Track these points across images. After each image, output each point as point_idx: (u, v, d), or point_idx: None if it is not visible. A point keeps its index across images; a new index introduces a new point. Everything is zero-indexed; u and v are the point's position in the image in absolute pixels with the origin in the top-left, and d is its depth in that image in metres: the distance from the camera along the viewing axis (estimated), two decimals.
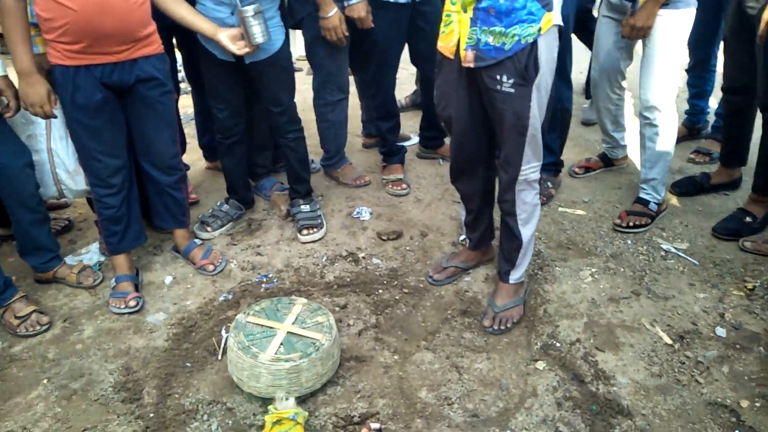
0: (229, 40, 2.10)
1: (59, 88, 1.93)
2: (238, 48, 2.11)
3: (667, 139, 2.42)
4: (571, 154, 3.18)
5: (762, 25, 2.06)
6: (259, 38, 2.10)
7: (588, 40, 3.13)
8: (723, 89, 2.63)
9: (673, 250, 2.38)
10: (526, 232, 1.97)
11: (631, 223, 2.50)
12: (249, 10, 2.04)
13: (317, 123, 2.87)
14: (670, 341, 1.92)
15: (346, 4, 2.47)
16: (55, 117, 1.98)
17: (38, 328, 2.04)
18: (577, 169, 3.01)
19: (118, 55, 1.91)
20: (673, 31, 2.27)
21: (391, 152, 3.00)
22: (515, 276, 2.04)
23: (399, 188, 2.90)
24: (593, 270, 2.28)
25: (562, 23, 1.71)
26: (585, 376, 1.80)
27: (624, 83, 2.65)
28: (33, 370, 1.90)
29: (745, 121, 2.60)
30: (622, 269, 2.28)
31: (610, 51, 2.54)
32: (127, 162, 2.13)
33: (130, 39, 1.90)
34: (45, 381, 1.85)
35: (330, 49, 2.58)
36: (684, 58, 2.37)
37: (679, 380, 1.77)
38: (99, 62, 1.90)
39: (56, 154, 2.14)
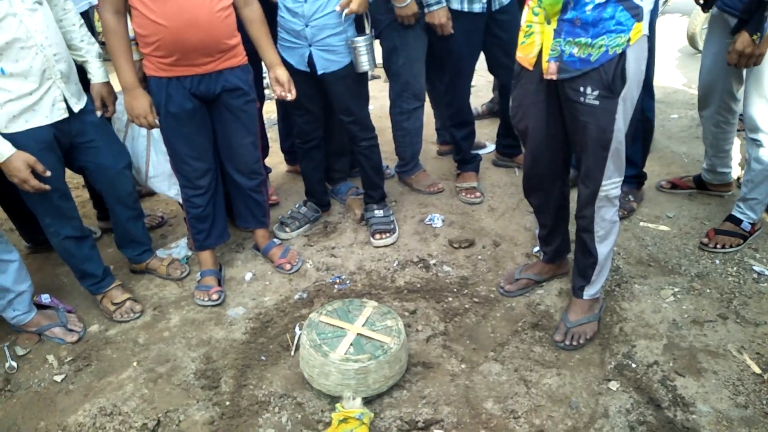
0: (273, 80, 2.24)
1: (154, 97, 2.08)
2: (273, 92, 2.27)
3: None
4: (655, 167, 3.04)
5: None
6: (365, 66, 2.31)
7: None
8: None
9: (767, 273, 2.22)
10: (603, 249, 1.91)
11: (719, 245, 2.35)
12: (360, 40, 2.25)
13: (393, 131, 2.92)
14: (759, 371, 1.79)
15: (426, 10, 2.51)
16: (158, 126, 2.13)
17: (132, 315, 2.22)
18: (664, 183, 2.87)
19: (205, 66, 2.03)
20: None
21: (466, 160, 3.00)
22: (590, 292, 1.98)
23: (472, 196, 2.89)
24: (676, 289, 2.17)
25: (648, 33, 1.65)
26: (662, 400, 1.72)
27: (736, 106, 2.46)
28: (125, 352, 2.07)
29: None
30: (708, 290, 2.16)
31: (712, 69, 2.41)
32: (213, 165, 2.27)
33: (216, 51, 2.02)
34: (135, 364, 2.01)
35: (407, 58, 2.63)
36: None
37: (767, 413, 1.65)
38: (189, 74, 2.03)
39: (128, 150, 2.34)
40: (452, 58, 2.70)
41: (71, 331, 2.14)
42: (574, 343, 1.94)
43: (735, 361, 1.84)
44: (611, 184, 1.80)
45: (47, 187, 1.91)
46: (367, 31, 2.34)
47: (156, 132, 2.32)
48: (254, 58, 2.68)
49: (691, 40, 4.89)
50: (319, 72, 2.33)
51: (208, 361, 2.00)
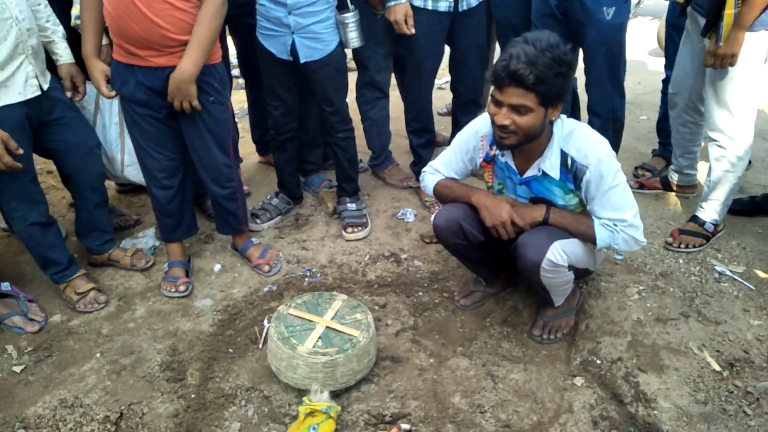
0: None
1: (113, 82, 2.03)
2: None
3: (735, 162, 2.28)
4: (624, 167, 3.06)
5: None
6: (355, 43, 2.34)
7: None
8: None
9: (728, 272, 2.28)
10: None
11: (683, 245, 2.41)
12: (349, 16, 2.27)
13: (362, 122, 2.91)
14: (718, 368, 1.85)
15: (387, 5, 2.43)
16: (113, 95, 2.06)
17: (96, 305, 2.16)
18: (632, 183, 2.92)
19: (154, 60, 1.91)
20: (748, 55, 2.12)
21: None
22: (558, 300, 1.96)
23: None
24: (641, 288, 2.21)
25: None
26: (625, 396, 1.76)
27: (703, 107, 2.49)
28: (88, 344, 2.02)
29: None
30: (671, 289, 2.21)
31: (686, 70, 2.45)
32: (180, 163, 2.19)
33: (161, 44, 1.87)
34: (98, 355, 1.96)
35: (371, 52, 2.63)
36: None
37: (725, 410, 1.70)
38: (140, 64, 1.93)
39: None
40: (413, 59, 2.61)
41: (32, 320, 2.08)
42: (552, 336, 1.97)
43: (696, 358, 1.89)
44: None
45: (19, 165, 1.85)
46: (351, 8, 2.29)
47: None
48: (221, 37, 2.54)
49: (662, 42, 4.98)
50: (302, 60, 2.29)
51: (173, 353, 1.96)
